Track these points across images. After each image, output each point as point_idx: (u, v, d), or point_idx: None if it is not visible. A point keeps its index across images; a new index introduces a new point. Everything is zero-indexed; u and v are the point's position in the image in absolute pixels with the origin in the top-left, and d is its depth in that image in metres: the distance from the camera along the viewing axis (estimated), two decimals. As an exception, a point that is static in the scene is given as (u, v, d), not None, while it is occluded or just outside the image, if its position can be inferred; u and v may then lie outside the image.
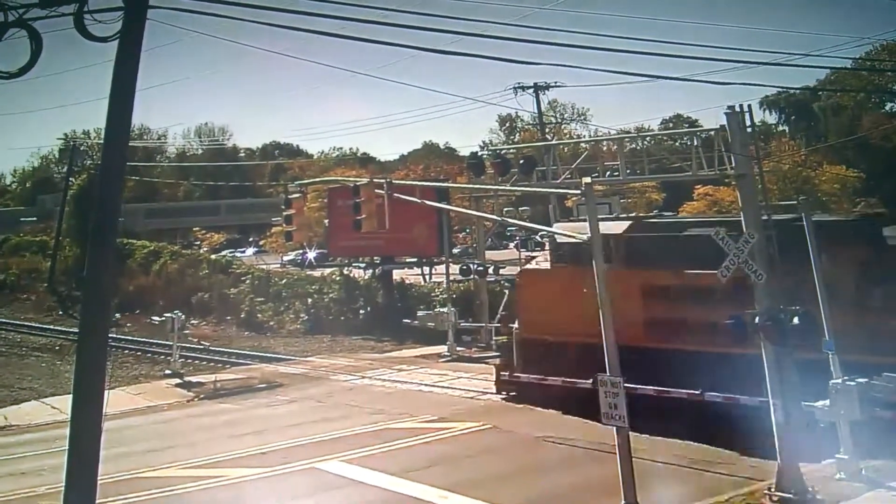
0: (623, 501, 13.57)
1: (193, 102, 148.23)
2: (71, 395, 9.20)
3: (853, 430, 15.97)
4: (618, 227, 22.83)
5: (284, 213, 23.68)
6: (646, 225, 24.04)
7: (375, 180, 21.68)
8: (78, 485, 9.14)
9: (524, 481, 17.45)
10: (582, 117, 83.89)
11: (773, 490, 15.18)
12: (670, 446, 18.78)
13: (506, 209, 38.96)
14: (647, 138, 53.02)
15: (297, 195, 23.63)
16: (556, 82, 51.59)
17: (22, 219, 75.36)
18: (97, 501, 9.25)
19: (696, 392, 19.82)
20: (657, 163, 27.87)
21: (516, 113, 75.18)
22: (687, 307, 20.66)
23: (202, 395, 28.28)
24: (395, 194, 20.62)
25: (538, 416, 22.42)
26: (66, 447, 9.12)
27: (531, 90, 50.97)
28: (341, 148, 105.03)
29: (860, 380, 15.87)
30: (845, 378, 15.92)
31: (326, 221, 45.69)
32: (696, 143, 19.80)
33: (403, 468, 18.45)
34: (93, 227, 9.74)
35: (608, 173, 23.24)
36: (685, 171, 20.51)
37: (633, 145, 52.60)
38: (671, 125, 74.11)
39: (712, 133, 18.55)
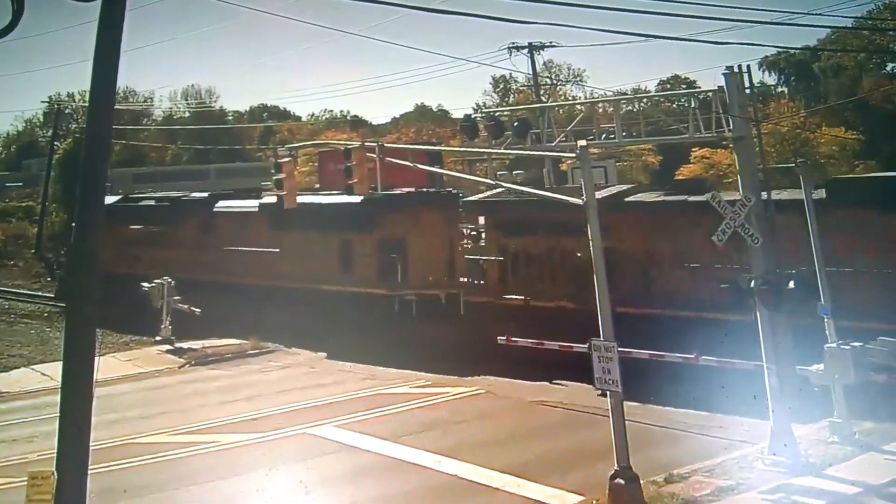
0: (616, 465, 13.55)
1: (179, 64, 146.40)
2: (61, 362, 9.08)
3: (847, 394, 16.01)
4: None
5: (274, 178, 23.39)
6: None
7: (367, 143, 21.49)
8: (70, 451, 9.11)
9: (518, 445, 17.50)
10: (578, 78, 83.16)
11: (765, 453, 15.20)
12: (664, 411, 18.81)
13: (500, 172, 38.81)
14: (644, 100, 52.38)
15: (287, 159, 23.27)
16: (551, 42, 51.01)
17: (7, 184, 74.68)
18: (90, 467, 9.15)
19: (690, 356, 19.80)
20: (654, 125, 27.63)
21: (510, 74, 74.50)
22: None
23: (193, 362, 28.23)
24: (387, 158, 20.45)
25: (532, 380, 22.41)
26: (58, 414, 9.01)
27: (526, 51, 50.53)
28: (331, 110, 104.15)
29: (855, 344, 15.86)
30: (839, 342, 15.93)
31: (317, 186, 45.46)
32: (693, 104, 19.60)
33: (396, 433, 18.50)
34: (80, 192, 9.58)
35: (604, 136, 23.05)
36: (682, 133, 20.30)
37: (630, 107, 52.12)
38: (668, 86, 73.52)
39: (710, 94, 18.33)
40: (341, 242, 29.80)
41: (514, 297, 25.97)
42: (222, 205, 35.69)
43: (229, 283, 32.14)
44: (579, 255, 21.06)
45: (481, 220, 28.77)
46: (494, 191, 27.84)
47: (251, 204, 33.46)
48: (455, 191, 30.93)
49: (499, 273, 27.05)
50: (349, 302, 28.57)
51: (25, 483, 9.87)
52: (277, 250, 31.48)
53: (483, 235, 28.54)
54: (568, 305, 23.55)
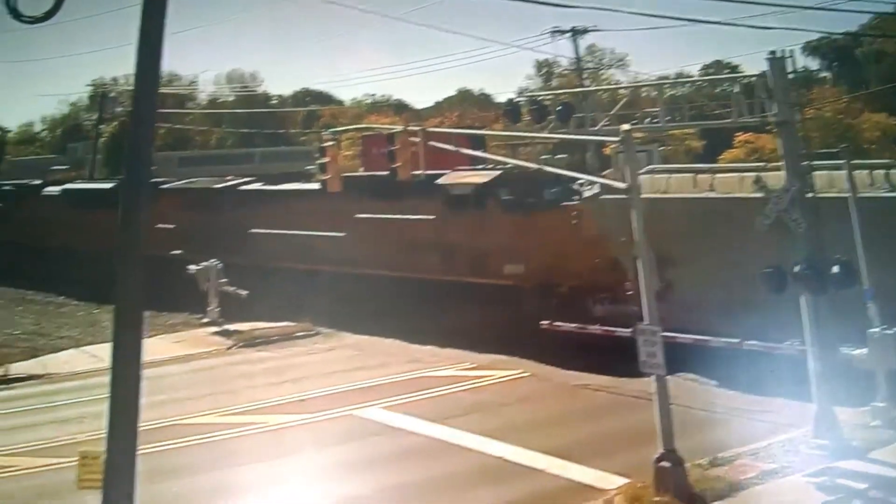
0: (661, 448, 13.53)
1: (223, 48, 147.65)
2: (110, 344, 9.20)
3: (889, 379, 15.85)
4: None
5: (318, 162, 23.49)
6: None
7: (410, 128, 21.51)
8: (120, 432, 9.18)
9: (562, 428, 17.56)
10: (621, 63, 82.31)
11: (809, 437, 15.07)
12: (708, 394, 18.67)
13: (543, 157, 38.55)
14: (687, 84, 51.78)
15: (330, 143, 23.33)
16: (594, 26, 50.75)
17: (53, 167, 75.59)
18: (139, 448, 9.29)
19: (735, 340, 19.59)
20: (697, 109, 27.39)
21: (553, 58, 74.01)
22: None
23: (241, 344, 28.47)
24: (430, 142, 20.46)
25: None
26: (107, 395, 9.14)
27: (569, 35, 50.20)
28: (374, 95, 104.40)
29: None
30: (883, 327, 15.74)
31: (361, 170, 45.57)
32: (736, 89, 19.36)
33: (441, 415, 18.58)
34: (125, 175, 9.67)
35: (647, 120, 22.83)
36: (725, 117, 20.07)
37: (673, 91, 51.50)
38: (711, 71, 72.58)
39: (753, 79, 18.09)
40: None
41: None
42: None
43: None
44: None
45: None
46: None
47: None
48: None
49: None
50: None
51: (76, 463, 10.07)
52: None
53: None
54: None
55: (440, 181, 27.46)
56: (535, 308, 24.09)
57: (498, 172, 26.92)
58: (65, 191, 46.68)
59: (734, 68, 67.74)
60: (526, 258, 25.54)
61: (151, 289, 9.78)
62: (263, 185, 36.95)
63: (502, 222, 26.28)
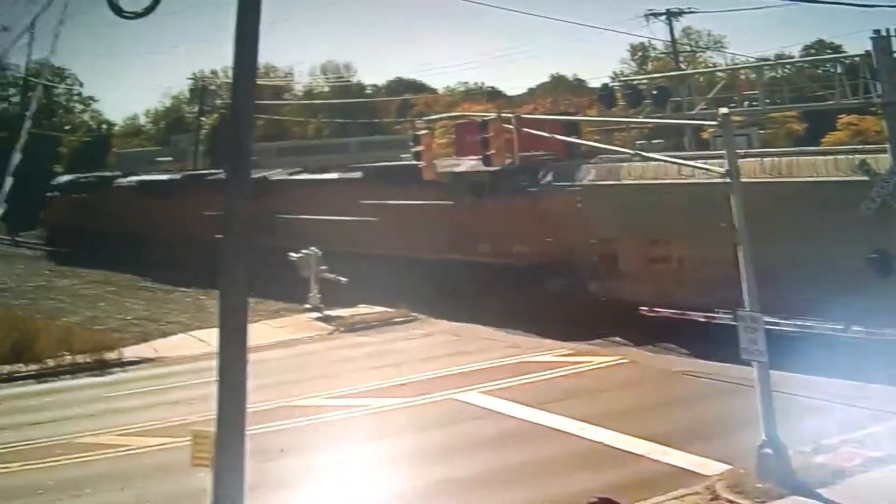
0: (764, 434, 13.39)
1: (317, 39, 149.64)
2: (217, 329, 9.49)
3: None
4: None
5: (413, 150, 23.74)
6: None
7: (503, 115, 21.53)
8: (228, 413, 9.40)
9: (662, 414, 17.45)
10: (718, 45, 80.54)
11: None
12: (809, 381, 18.30)
13: (639, 142, 38.07)
14: (788, 66, 50.42)
15: (424, 131, 23.56)
16: (689, 8, 49.82)
17: (157, 159, 77.76)
18: (247, 428, 9.57)
19: (839, 326, 19.19)
20: (798, 91, 26.76)
21: (648, 42, 72.85)
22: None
23: (342, 329, 29.01)
24: (524, 129, 20.44)
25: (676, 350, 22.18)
26: (216, 378, 9.43)
27: (663, 17, 49.41)
28: (466, 82, 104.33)
29: None
30: None
31: (454, 157, 45.64)
32: (839, 70, 18.87)
33: (541, 400, 18.67)
34: (227, 166, 9.93)
35: (746, 103, 22.47)
36: (828, 99, 19.63)
37: (773, 73, 50.21)
38: (813, 52, 70.46)
39: (857, 59, 17.61)
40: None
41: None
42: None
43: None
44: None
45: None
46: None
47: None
48: None
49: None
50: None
51: (187, 443, 10.43)
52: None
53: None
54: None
55: (457, 170, 30.26)
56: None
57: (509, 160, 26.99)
58: (138, 182, 50.58)
59: (836, 48, 65.67)
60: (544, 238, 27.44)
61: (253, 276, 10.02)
62: (304, 174, 39.66)
63: (520, 207, 28.14)
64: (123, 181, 51.99)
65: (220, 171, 43.28)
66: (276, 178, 39.67)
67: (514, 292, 27.25)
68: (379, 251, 32.01)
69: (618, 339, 23.80)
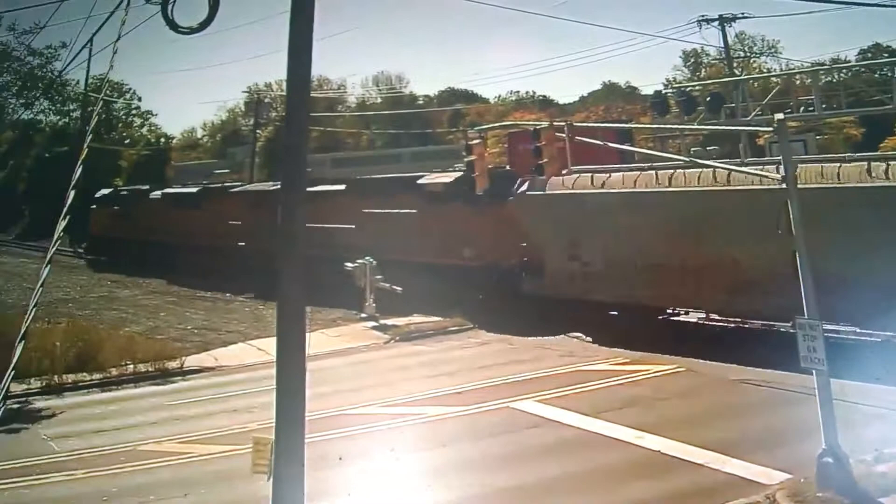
0: (824, 443, 13.24)
1: (368, 51, 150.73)
2: (275, 338, 9.62)
3: None
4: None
5: (466, 160, 23.77)
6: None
7: (556, 123, 21.50)
8: (287, 421, 9.49)
9: (721, 422, 17.27)
10: (772, 50, 79.42)
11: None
12: (870, 389, 17.97)
13: (693, 149, 37.74)
14: (844, 70, 49.62)
15: (476, 141, 23.60)
16: (742, 13, 49.30)
17: (215, 171, 78.92)
18: (306, 436, 9.68)
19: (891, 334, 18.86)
20: (855, 96, 26.35)
21: (701, 48, 72.13)
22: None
23: (397, 338, 29.25)
24: (577, 137, 20.41)
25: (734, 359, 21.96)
26: (275, 386, 9.56)
27: (716, 23, 48.96)
28: (518, 91, 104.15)
29: None
30: None
31: (507, 167, 45.68)
32: (896, 73, 18.60)
33: (597, 409, 18.62)
34: (283, 177, 10.08)
35: (802, 108, 22.22)
36: (885, 104, 19.33)
37: (829, 78, 49.48)
38: (869, 55, 69.21)
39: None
40: None
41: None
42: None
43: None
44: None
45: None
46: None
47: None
48: None
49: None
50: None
51: (249, 450, 10.59)
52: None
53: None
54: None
55: (419, 181, 34.35)
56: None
57: (460, 173, 31.22)
58: (163, 194, 55.47)
59: (894, 52, 64.50)
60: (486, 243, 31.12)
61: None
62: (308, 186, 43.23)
63: (466, 215, 31.41)
64: (155, 194, 56.04)
65: (239, 183, 52.15)
66: (271, 189, 43.01)
67: (459, 290, 30.99)
68: (354, 254, 32.95)
69: (677, 348, 23.55)
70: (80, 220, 51.71)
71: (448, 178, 33.70)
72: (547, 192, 28.77)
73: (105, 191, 60.81)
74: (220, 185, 55.66)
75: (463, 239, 31.71)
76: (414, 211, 33.72)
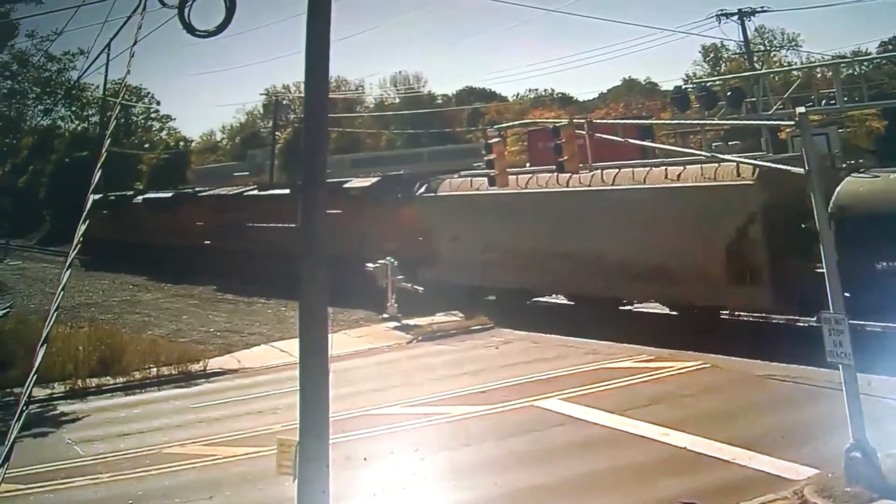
0: (852, 438, 13.15)
1: (386, 51, 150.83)
2: (298, 339, 9.61)
3: None
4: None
5: (486, 158, 23.65)
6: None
7: (575, 120, 21.38)
8: (311, 422, 9.50)
9: (747, 419, 17.16)
10: (793, 43, 78.81)
11: None
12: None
13: (715, 144, 37.50)
14: (865, 62, 49.12)
15: (496, 139, 23.47)
16: (762, 7, 48.90)
17: (234, 173, 79.20)
18: (330, 437, 9.66)
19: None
20: (877, 88, 26.11)
21: (721, 42, 71.61)
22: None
23: (420, 338, 29.20)
24: (597, 134, 20.29)
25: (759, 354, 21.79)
26: (298, 388, 9.53)
27: (735, 17, 48.61)
28: (536, 89, 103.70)
29: None
30: None
31: (527, 164, 45.57)
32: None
33: (622, 406, 18.53)
34: (303, 178, 10.05)
35: (823, 102, 22.03)
36: (909, 95, 19.12)
37: (850, 71, 49.08)
38: (891, 47, 68.52)
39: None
40: None
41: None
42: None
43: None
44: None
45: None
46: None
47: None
48: None
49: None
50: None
51: (273, 452, 10.57)
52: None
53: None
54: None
55: (345, 185, 38.84)
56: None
57: (377, 178, 39.47)
58: (144, 199, 61.80)
59: (917, 43, 63.86)
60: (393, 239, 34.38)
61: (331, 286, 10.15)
62: (256, 191, 50.09)
63: (380, 215, 36.25)
64: (138, 199, 62.41)
65: (207, 188, 57.64)
66: (231, 193, 51.31)
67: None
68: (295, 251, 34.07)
69: (702, 344, 23.35)
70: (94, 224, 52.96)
71: (367, 182, 39.40)
72: (436, 194, 34.65)
73: (96, 196, 62.06)
74: (191, 189, 61.52)
75: (381, 235, 35.24)
76: (339, 211, 34.67)
